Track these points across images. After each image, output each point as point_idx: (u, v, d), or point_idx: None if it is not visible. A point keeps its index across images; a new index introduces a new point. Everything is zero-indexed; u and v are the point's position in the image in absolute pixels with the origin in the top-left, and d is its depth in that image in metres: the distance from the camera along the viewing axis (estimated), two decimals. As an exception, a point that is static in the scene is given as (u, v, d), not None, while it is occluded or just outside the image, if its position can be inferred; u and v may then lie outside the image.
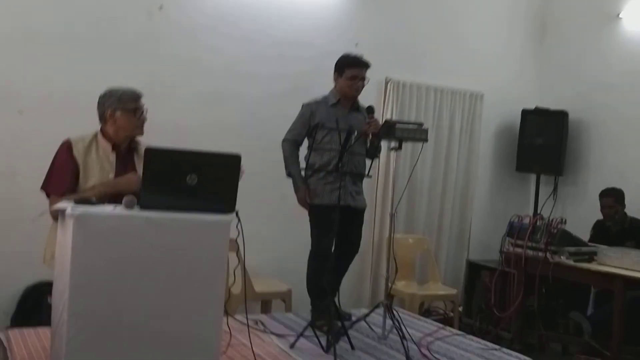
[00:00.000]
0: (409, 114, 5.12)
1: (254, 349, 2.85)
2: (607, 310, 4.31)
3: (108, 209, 2.29)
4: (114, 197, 2.56)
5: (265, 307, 4.19)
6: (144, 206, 2.28)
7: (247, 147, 4.14)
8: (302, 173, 3.60)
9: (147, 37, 4.20)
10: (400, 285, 4.64)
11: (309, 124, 3.60)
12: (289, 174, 3.64)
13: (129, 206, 2.28)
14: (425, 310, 4.98)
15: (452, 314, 4.87)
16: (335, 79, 3.64)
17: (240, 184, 2.42)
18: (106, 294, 2.18)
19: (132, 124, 2.83)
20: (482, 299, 4.99)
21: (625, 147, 5.34)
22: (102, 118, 2.87)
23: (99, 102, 2.86)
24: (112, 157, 2.81)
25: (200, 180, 2.32)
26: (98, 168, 2.75)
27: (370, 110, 3.60)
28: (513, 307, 4.36)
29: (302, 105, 3.67)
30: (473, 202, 5.59)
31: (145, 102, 2.89)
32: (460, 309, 5.02)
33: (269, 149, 4.18)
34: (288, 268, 4.34)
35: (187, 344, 2.30)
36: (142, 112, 2.86)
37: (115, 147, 2.83)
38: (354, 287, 4.81)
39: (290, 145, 3.62)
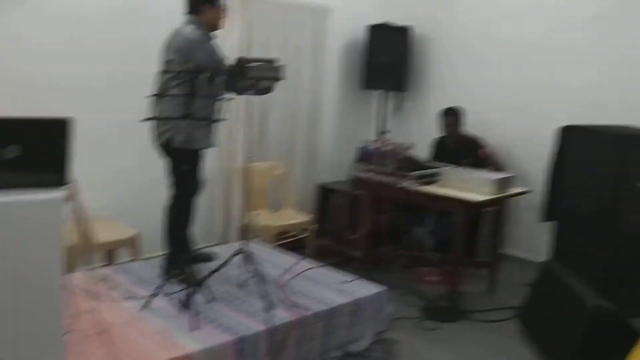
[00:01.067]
0: (259, 33, 4.78)
1: (101, 315, 2.61)
2: (446, 226, 4.64)
3: None
4: None
5: (110, 257, 3.80)
6: (-49, 191, 1.85)
7: (86, 74, 3.67)
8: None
9: None
10: (255, 216, 4.53)
11: None
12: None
13: None
14: (280, 233, 4.96)
15: (305, 235, 4.89)
16: (205, 11, 3.23)
17: (77, 117, 2.08)
18: None
19: None
20: (333, 221, 5.09)
21: (459, 65, 5.56)
22: None
23: None
24: None
25: (23, 152, 1.94)
26: None
27: (244, 62, 3.15)
28: (363, 230, 4.51)
29: (200, 34, 3.16)
30: (322, 123, 5.52)
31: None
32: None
33: (108, 73, 3.70)
34: (132, 210, 4.01)
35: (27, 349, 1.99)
36: None
37: None
38: (205, 221, 4.59)
39: None
